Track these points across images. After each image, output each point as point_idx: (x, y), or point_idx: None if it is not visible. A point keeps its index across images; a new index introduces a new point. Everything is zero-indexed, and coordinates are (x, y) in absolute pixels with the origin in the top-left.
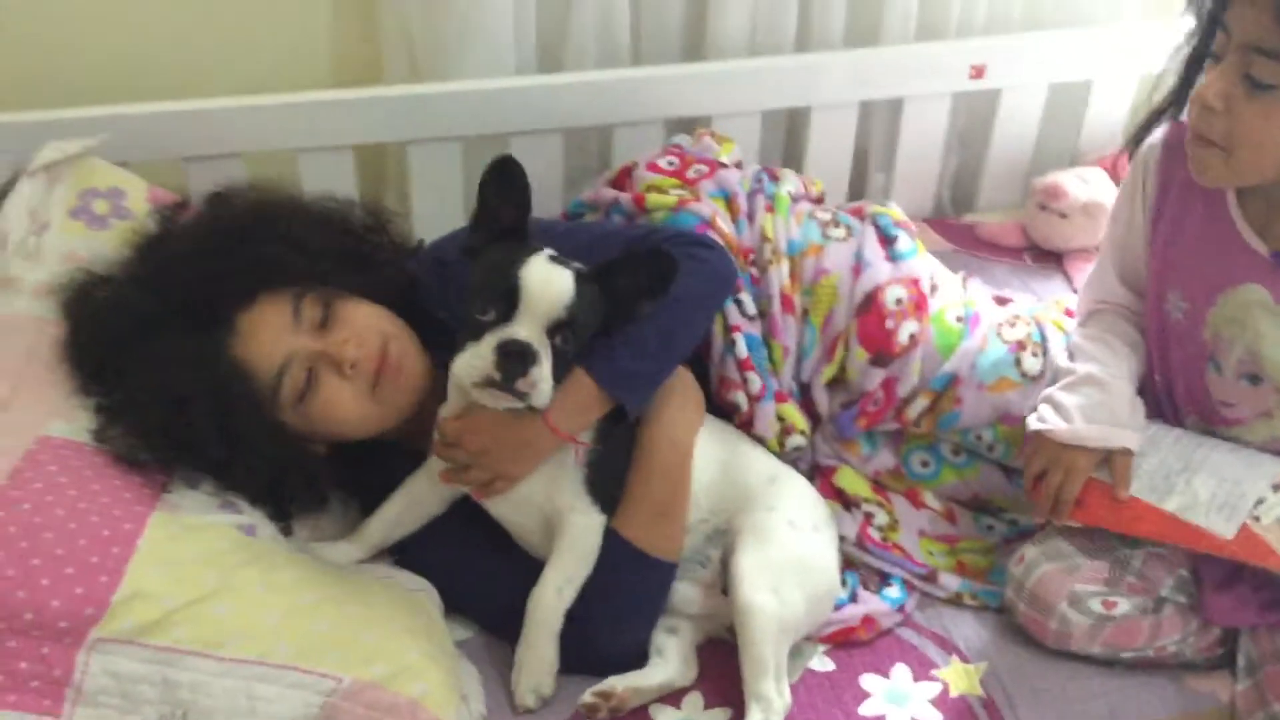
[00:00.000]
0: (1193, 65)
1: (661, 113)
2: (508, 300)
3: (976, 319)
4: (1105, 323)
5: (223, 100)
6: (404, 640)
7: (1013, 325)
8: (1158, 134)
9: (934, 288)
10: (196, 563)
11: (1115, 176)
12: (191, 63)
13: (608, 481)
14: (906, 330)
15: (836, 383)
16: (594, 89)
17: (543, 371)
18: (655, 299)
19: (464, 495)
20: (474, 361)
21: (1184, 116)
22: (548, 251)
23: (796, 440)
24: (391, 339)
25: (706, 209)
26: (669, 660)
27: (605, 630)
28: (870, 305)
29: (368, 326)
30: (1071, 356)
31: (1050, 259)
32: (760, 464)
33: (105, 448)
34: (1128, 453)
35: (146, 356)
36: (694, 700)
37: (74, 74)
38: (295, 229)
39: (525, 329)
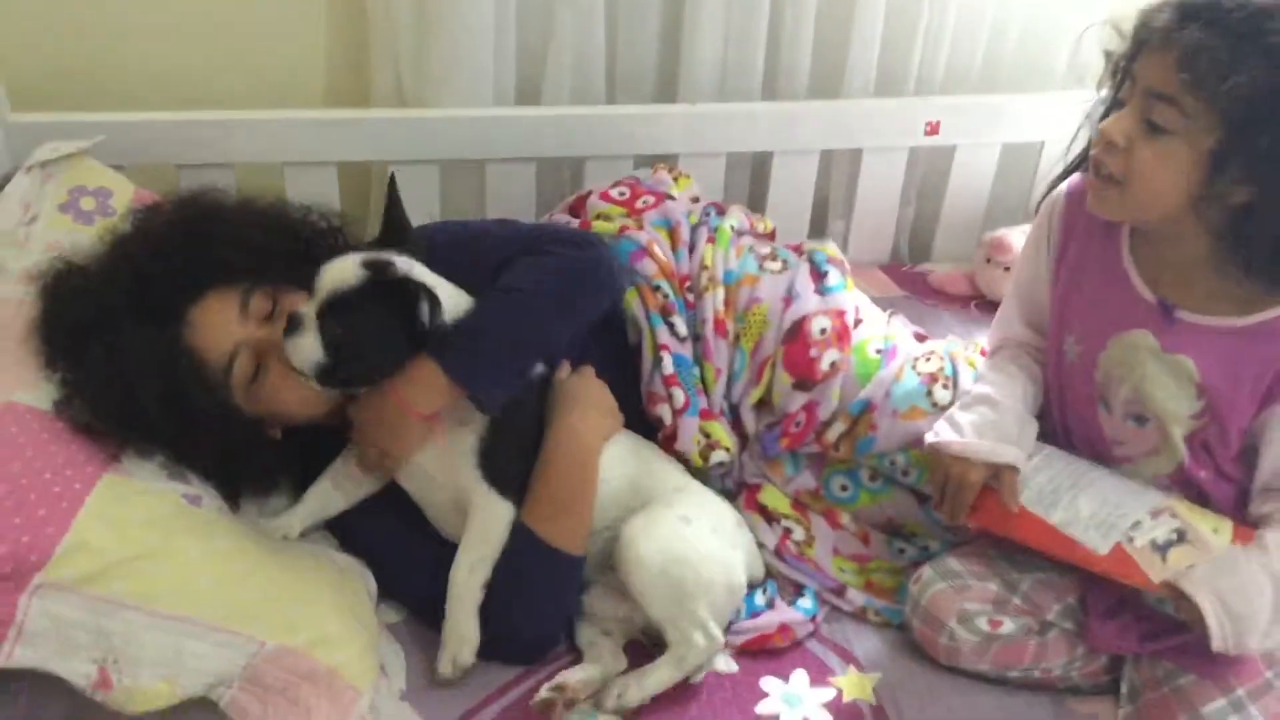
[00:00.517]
0: (1106, 119)
1: (631, 149)
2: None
3: (894, 352)
4: (1008, 355)
5: (218, 112)
6: (328, 613)
7: (927, 360)
8: (1063, 186)
9: (858, 321)
10: (140, 524)
11: None
12: (191, 76)
13: (506, 470)
14: (829, 358)
15: (763, 404)
16: (568, 123)
17: (299, 339)
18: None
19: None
20: None
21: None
22: (381, 255)
23: (720, 455)
24: None
25: (644, 236)
26: (603, 655)
27: (520, 620)
28: (797, 333)
29: None
30: (975, 384)
31: (995, 308)
32: (671, 477)
33: (66, 416)
34: (1014, 469)
35: (105, 343)
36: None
37: (81, 81)
38: (246, 230)
39: (308, 307)
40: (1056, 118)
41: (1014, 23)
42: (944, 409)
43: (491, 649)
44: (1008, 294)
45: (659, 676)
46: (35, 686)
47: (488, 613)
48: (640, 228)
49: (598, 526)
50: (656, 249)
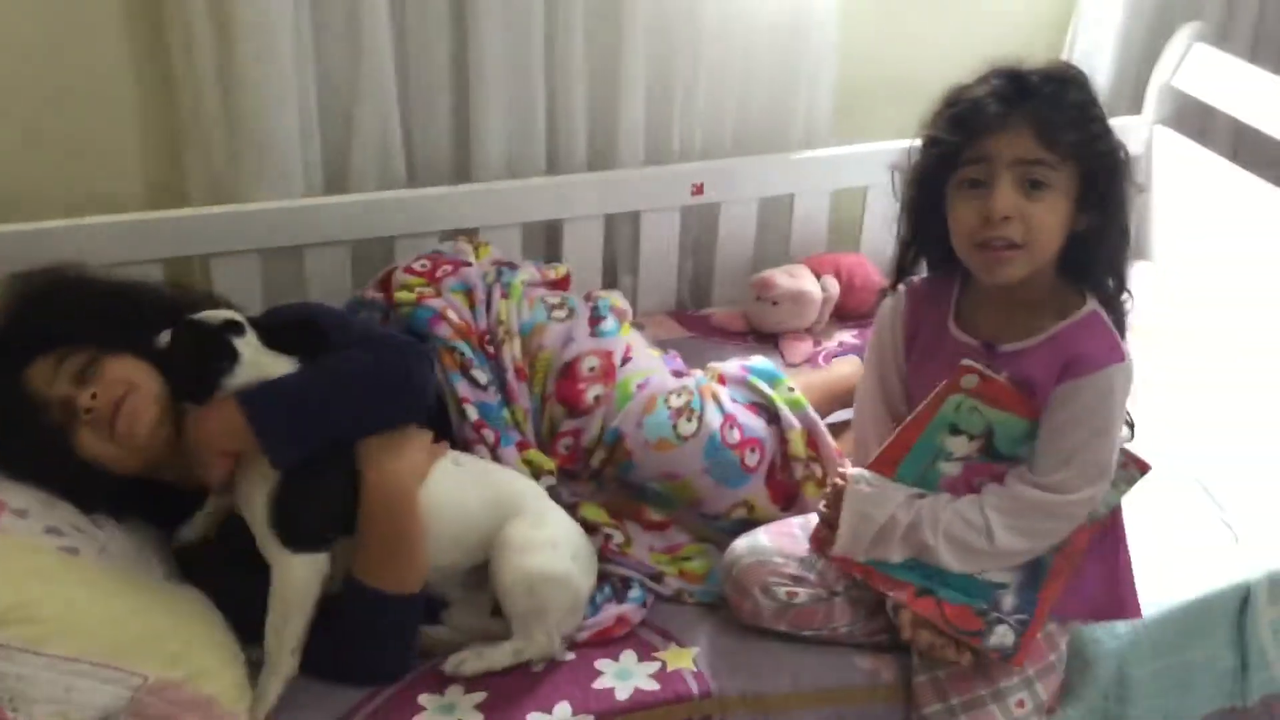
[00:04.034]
0: (932, 195)
1: (435, 226)
2: None
3: (647, 386)
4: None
5: (49, 221)
6: (204, 647)
7: (678, 395)
8: (900, 286)
9: (626, 359)
10: (25, 575)
11: (816, 271)
12: (22, 187)
13: (300, 523)
14: (593, 392)
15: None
16: (375, 207)
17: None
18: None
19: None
20: None
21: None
22: (227, 315)
23: (548, 480)
24: (132, 391)
25: (439, 303)
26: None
27: (364, 663)
28: (569, 371)
29: (116, 379)
30: None
31: (768, 339)
32: (528, 487)
33: None
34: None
35: None
36: (455, 689)
37: None
38: (83, 302)
39: None
40: (801, 173)
41: (756, 94)
42: (687, 439)
43: (344, 680)
44: (861, 397)
45: (496, 657)
46: None
47: (337, 660)
48: (439, 294)
49: (458, 556)
50: (450, 313)
